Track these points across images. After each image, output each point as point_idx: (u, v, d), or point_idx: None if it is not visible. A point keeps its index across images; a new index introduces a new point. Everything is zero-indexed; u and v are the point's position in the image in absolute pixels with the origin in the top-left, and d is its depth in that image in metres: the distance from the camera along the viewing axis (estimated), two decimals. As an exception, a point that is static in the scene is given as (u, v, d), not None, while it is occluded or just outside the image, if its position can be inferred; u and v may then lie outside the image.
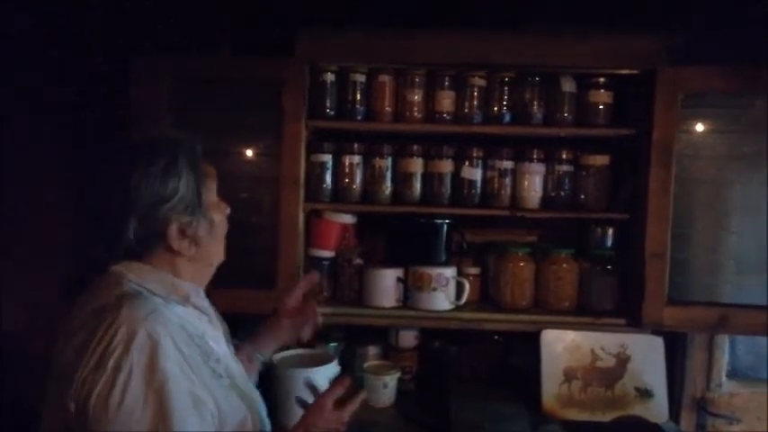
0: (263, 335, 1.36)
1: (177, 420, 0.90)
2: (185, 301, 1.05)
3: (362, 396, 1.27)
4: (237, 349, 1.27)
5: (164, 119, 1.69)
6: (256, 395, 1.17)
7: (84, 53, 1.88)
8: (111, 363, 0.89)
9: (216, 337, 1.09)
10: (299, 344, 1.44)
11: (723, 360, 1.97)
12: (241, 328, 1.71)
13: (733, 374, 2.00)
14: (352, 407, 1.21)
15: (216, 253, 1.12)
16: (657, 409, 1.70)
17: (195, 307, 1.07)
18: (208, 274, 1.13)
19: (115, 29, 1.86)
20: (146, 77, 1.69)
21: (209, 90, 1.74)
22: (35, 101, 1.87)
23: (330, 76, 1.78)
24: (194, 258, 1.06)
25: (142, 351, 0.91)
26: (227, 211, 1.16)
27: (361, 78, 1.78)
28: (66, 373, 0.92)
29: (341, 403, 1.20)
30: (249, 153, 1.78)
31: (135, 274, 1.02)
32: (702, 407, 1.95)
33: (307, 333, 1.38)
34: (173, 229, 1.02)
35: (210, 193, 1.10)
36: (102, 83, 1.84)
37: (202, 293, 1.10)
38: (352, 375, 1.78)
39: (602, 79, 1.76)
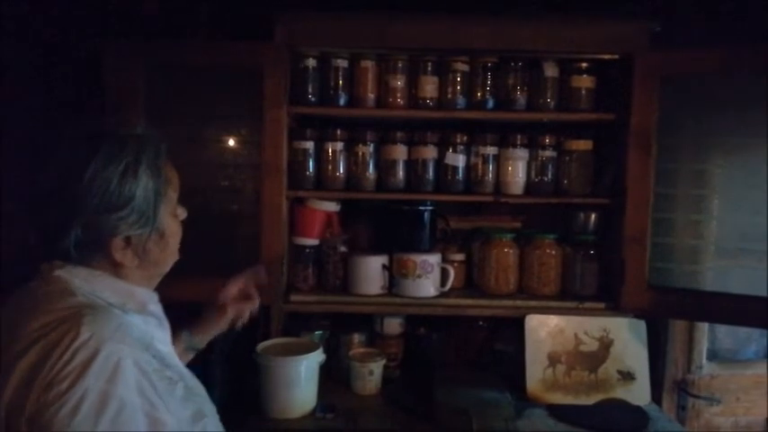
0: (203, 322, 1.31)
1: None
2: (142, 309, 0.97)
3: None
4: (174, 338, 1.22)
5: (140, 106, 1.65)
6: (200, 387, 1.08)
7: (55, 38, 1.82)
8: (63, 385, 0.79)
9: (163, 338, 1.02)
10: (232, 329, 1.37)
11: (703, 343, 2.01)
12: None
13: (713, 357, 2.03)
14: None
15: (166, 260, 1.04)
16: (640, 392, 1.72)
17: (151, 314, 1.00)
18: (158, 278, 1.05)
19: (88, 13, 1.81)
20: (120, 64, 1.65)
21: (187, 76, 1.70)
22: (5, 89, 1.81)
23: (312, 62, 1.75)
24: (141, 266, 0.98)
25: (100, 376, 0.81)
26: (184, 215, 1.07)
27: (343, 64, 1.76)
28: (15, 404, 0.81)
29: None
30: (229, 140, 1.76)
31: (83, 281, 0.92)
32: (683, 389, 1.99)
33: (243, 319, 1.34)
34: (117, 240, 0.92)
35: (169, 203, 1.00)
36: (76, 69, 1.79)
37: (156, 298, 1.03)
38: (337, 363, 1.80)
39: (584, 64, 1.77)
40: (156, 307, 1.03)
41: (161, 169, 0.96)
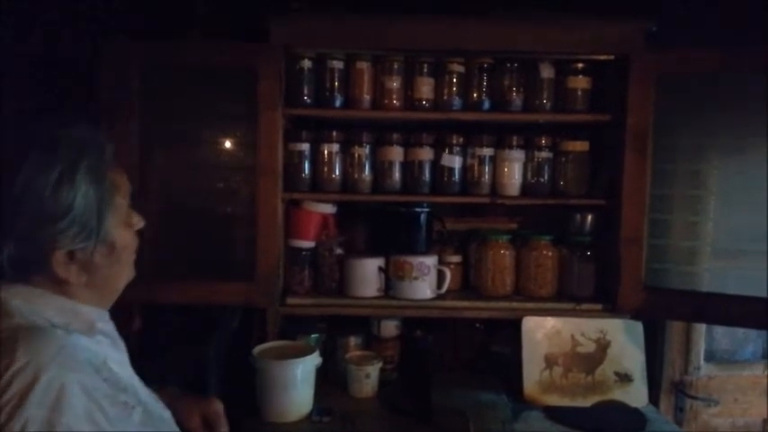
0: (178, 405, 1.15)
1: None
2: (89, 329, 0.89)
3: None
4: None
5: (135, 107, 1.64)
6: (163, 411, 1.02)
7: (50, 38, 1.82)
8: (1, 418, 0.73)
9: (118, 359, 0.95)
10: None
11: (701, 344, 2.01)
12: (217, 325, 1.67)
13: (710, 358, 2.03)
14: None
15: (118, 276, 0.95)
16: (637, 394, 1.71)
17: (101, 334, 0.92)
18: (112, 296, 0.96)
19: (84, 13, 1.81)
20: (116, 64, 1.64)
21: (183, 77, 1.70)
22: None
23: (307, 63, 1.75)
24: (90, 284, 0.90)
25: (41, 404, 0.75)
26: (140, 224, 0.98)
27: (338, 65, 1.76)
28: None
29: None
30: (224, 142, 1.75)
31: (24, 300, 0.84)
32: (681, 390, 1.98)
33: None
34: (59, 255, 0.84)
35: (117, 212, 0.91)
36: (71, 70, 1.78)
37: (107, 316, 0.95)
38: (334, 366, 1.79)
39: (580, 65, 1.76)
40: (107, 326, 0.95)
41: (104, 175, 0.87)
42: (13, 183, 0.81)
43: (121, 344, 1.00)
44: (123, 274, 0.96)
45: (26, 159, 0.81)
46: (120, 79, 1.64)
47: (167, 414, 1.03)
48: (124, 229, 0.93)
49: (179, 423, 1.09)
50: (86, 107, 1.64)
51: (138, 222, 0.98)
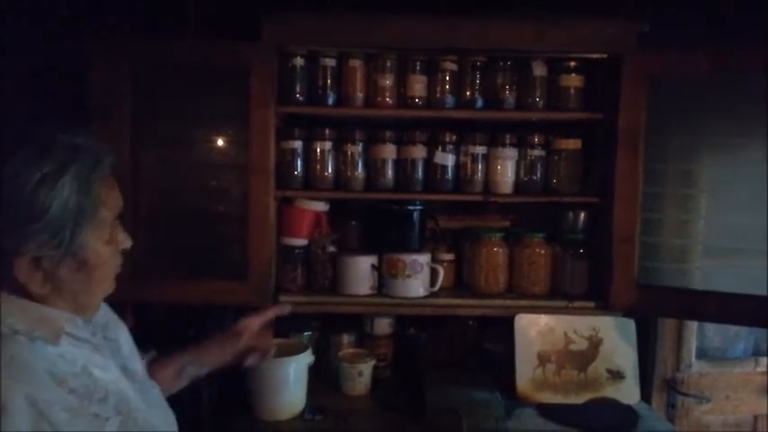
0: (211, 349, 1.22)
1: None
2: (55, 337, 0.83)
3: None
4: (158, 362, 1.17)
5: (125, 106, 1.63)
6: (161, 421, 1.00)
7: (39, 37, 1.80)
8: None
9: (104, 364, 0.90)
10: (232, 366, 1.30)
11: (692, 341, 2.01)
12: (210, 323, 1.67)
13: (702, 355, 2.04)
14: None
15: (90, 291, 0.88)
16: (629, 391, 1.72)
17: (73, 337, 0.87)
18: (85, 309, 0.90)
19: (74, 11, 1.79)
20: (106, 62, 1.63)
21: (174, 75, 1.69)
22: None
23: (299, 61, 1.74)
24: (58, 294, 0.85)
25: None
26: (127, 244, 0.93)
27: (331, 63, 1.75)
28: None
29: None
30: (217, 140, 1.74)
31: None
32: (673, 387, 1.99)
33: (253, 360, 1.26)
34: (22, 260, 0.80)
35: (98, 227, 0.86)
36: (60, 67, 1.76)
37: (79, 321, 0.89)
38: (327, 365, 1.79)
39: (573, 63, 1.76)
40: (83, 331, 0.89)
41: (91, 186, 0.83)
42: None
43: (108, 347, 0.97)
44: (96, 290, 0.90)
45: (17, 154, 0.79)
46: (110, 78, 1.63)
47: (162, 419, 1.01)
48: (104, 246, 0.88)
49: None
50: (76, 107, 1.63)
51: (124, 241, 0.92)
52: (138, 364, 1.07)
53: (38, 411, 0.76)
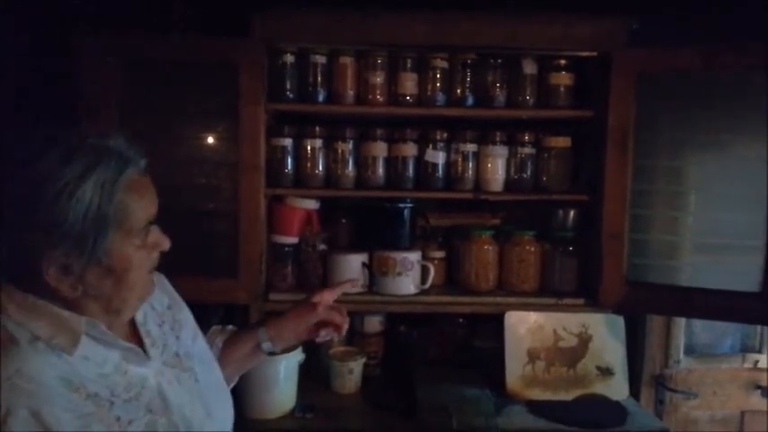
0: (287, 323, 1.19)
1: None
2: (73, 343, 0.82)
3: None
4: (235, 338, 1.18)
5: (114, 103, 1.62)
6: (206, 409, 0.98)
7: (26, 32, 1.78)
8: None
9: (140, 359, 0.90)
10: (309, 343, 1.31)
11: (680, 338, 2.03)
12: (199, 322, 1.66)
13: (690, 351, 2.05)
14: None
15: (123, 296, 0.87)
16: (618, 387, 1.73)
17: (96, 340, 0.85)
18: (120, 314, 0.89)
19: (63, 6, 1.77)
20: (93, 60, 1.62)
21: (164, 72, 1.67)
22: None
23: (290, 58, 1.73)
24: (92, 298, 0.84)
25: None
26: (165, 246, 0.91)
27: (321, 60, 1.75)
28: None
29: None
30: (207, 137, 1.72)
31: (18, 307, 0.81)
32: (661, 383, 2.01)
33: (327, 334, 1.21)
34: (48, 267, 0.79)
35: (127, 232, 0.84)
36: (46, 65, 1.74)
37: (102, 327, 0.86)
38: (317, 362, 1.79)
39: (563, 61, 1.77)
40: (103, 334, 0.86)
41: (116, 191, 0.81)
42: (19, 182, 0.78)
43: (171, 332, 0.99)
44: (127, 294, 0.88)
45: (41, 159, 0.79)
46: (99, 75, 1.61)
47: (216, 396, 1.02)
48: (135, 251, 0.86)
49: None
50: (65, 103, 1.61)
51: (162, 243, 0.90)
52: (199, 344, 1.07)
53: (41, 423, 0.75)
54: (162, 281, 1.06)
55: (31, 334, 0.80)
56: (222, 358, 1.16)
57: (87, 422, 0.79)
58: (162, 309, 1.04)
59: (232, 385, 1.18)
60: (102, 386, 0.83)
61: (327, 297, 1.23)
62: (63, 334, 0.82)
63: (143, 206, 0.86)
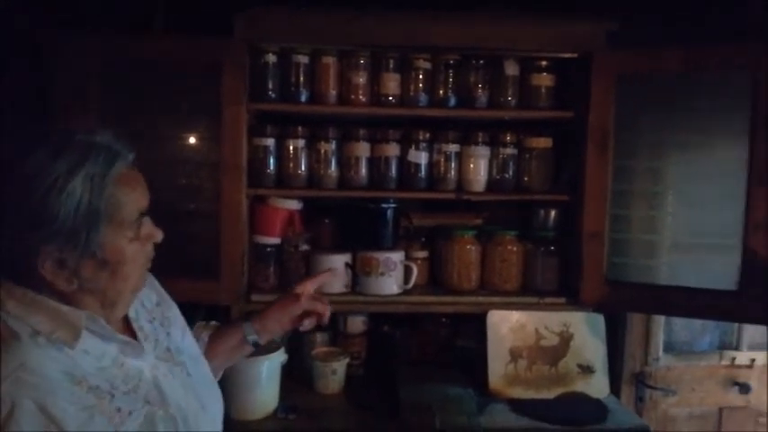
0: (272, 315, 1.21)
1: None
2: (74, 337, 0.83)
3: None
4: (220, 332, 1.21)
5: (92, 102, 1.60)
6: (199, 401, 0.99)
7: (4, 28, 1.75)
8: None
9: (136, 353, 0.92)
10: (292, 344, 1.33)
11: (660, 335, 2.06)
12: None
13: (669, 349, 2.08)
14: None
15: (118, 288, 0.88)
16: (599, 385, 1.75)
17: (94, 334, 0.86)
18: (115, 306, 0.90)
19: (42, 3, 1.74)
20: (73, 58, 1.60)
21: (144, 71, 1.65)
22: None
23: (272, 58, 1.73)
24: (87, 291, 0.85)
25: None
26: (158, 238, 0.93)
27: (304, 60, 1.74)
28: None
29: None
30: (188, 137, 1.72)
31: (17, 302, 0.82)
32: (641, 381, 2.03)
33: (309, 324, 1.23)
34: (44, 261, 0.80)
35: (119, 225, 0.84)
36: (23, 64, 1.72)
37: (102, 321, 0.87)
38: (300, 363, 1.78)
39: (544, 62, 1.79)
40: (102, 329, 0.87)
41: (106, 185, 0.82)
42: (9, 179, 0.79)
43: (161, 328, 1.01)
44: (122, 287, 0.89)
45: (29, 156, 0.80)
46: (78, 74, 1.59)
47: (206, 390, 1.03)
48: (128, 244, 0.86)
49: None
50: (40, 101, 1.58)
51: (155, 235, 0.92)
52: (187, 339, 1.09)
53: (48, 416, 0.77)
54: (150, 279, 1.06)
55: (31, 329, 0.81)
56: (208, 351, 1.18)
57: (90, 414, 0.81)
58: (151, 306, 1.05)
59: (217, 379, 1.19)
60: (102, 379, 0.85)
61: (309, 288, 1.26)
62: (63, 328, 0.83)
63: (134, 199, 0.87)
